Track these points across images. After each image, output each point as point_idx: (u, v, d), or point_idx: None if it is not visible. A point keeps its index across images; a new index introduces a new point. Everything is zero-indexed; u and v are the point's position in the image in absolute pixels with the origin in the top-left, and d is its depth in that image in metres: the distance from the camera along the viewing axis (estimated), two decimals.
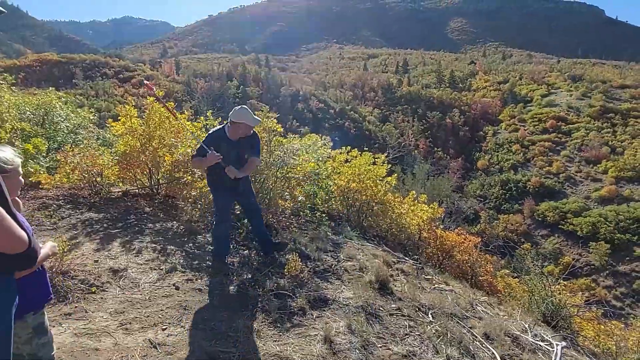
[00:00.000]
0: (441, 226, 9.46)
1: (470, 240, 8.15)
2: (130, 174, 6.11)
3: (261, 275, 3.99)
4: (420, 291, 4.38)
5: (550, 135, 62.27)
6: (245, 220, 4.90)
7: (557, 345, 3.41)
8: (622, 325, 6.61)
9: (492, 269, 8.73)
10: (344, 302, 3.62)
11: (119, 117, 5.91)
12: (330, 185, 7.13)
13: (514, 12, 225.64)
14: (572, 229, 42.54)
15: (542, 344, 3.60)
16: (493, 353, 3.22)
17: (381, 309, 3.61)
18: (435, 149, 68.41)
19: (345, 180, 7.24)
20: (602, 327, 6.48)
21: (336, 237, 5.73)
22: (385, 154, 8.83)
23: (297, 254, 4.25)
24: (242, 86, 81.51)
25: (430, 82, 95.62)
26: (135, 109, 5.99)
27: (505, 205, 50.13)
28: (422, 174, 31.42)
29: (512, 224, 45.89)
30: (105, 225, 4.87)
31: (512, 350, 3.39)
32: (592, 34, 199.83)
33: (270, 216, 5.56)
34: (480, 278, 7.92)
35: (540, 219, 45.89)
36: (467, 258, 7.87)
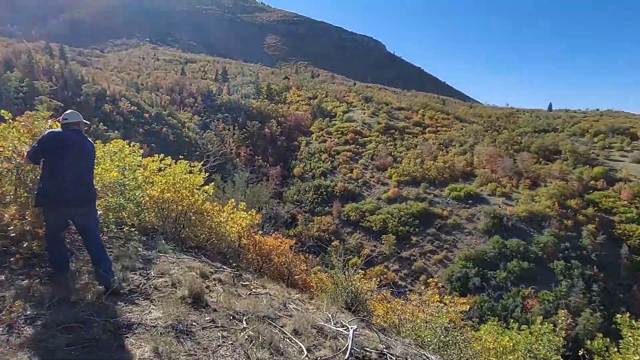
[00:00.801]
0: (260, 232, 9.82)
1: (286, 243, 8.74)
2: None
3: (46, 308, 3.28)
4: (236, 298, 4.41)
5: (351, 147, 72.86)
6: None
7: (351, 329, 3.96)
8: (403, 301, 8.15)
9: (306, 267, 9.56)
10: (152, 324, 3.31)
11: None
12: (141, 197, 6.46)
13: (318, 39, 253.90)
14: (369, 225, 50.86)
15: (341, 329, 4.11)
16: (300, 346, 3.49)
17: (194, 323, 3.45)
18: (256, 157, 70.55)
19: (159, 190, 6.72)
20: (389, 305, 7.88)
21: (148, 253, 5.25)
22: (203, 162, 8.62)
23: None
24: (27, 79, 65.31)
25: (249, 92, 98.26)
26: None
27: (318, 208, 55.93)
28: (242, 182, 31.74)
29: (324, 225, 51.55)
30: None
31: (318, 340, 3.76)
32: (377, 64, 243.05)
33: (66, 234, 4.65)
34: (296, 277, 8.57)
35: (345, 218, 53.08)
36: (283, 260, 8.40)
